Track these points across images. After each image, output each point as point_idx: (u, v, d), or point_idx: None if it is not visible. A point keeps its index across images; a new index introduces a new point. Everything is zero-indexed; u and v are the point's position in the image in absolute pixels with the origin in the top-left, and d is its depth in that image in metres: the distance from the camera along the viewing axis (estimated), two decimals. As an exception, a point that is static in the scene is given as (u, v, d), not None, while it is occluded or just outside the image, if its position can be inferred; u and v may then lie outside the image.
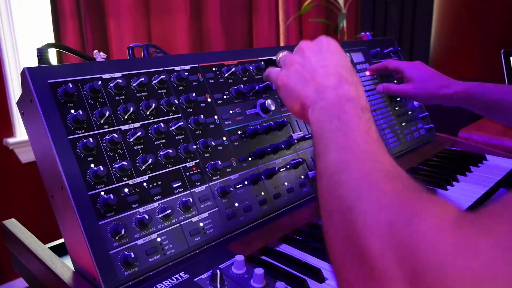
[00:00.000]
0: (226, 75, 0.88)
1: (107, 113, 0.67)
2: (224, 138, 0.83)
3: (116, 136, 0.66)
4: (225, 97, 0.86)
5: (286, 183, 0.88)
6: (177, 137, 0.76)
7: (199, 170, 0.76)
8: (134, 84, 0.74)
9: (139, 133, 0.69)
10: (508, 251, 0.25)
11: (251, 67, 0.92)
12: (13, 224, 0.80)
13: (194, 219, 0.72)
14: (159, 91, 0.77)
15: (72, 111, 0.65)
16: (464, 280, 0.25)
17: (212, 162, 0.78)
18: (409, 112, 1.31)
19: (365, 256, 0.32)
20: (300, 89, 0.62)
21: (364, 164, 0.44)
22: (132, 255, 0.61)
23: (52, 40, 2.02)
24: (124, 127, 0.70)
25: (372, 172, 0.42)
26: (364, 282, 0.32)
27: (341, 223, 0.38)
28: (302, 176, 0.92)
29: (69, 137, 0.64)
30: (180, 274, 0.63)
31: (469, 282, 0.25)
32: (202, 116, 0.78)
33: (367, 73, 1.24)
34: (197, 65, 0.85)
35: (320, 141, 0.52)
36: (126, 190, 0.67)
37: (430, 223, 0.30)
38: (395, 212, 0.34)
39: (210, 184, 0.77)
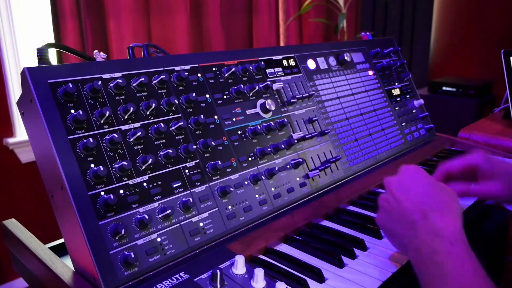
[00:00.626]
0: (226, 75, 0.88)
1: (107, 113, 0.67)
2: (224, 138, 0.83)
3: (116, 136, 0.66)
4: (225, 97, 0.86)
5: (286, 183, 0.88)
6: (177, 137, 0.76)
7: (199, 170, 0.76)
8: (134, 84, 0.74)
9: (139, 133, 0.69)
10: None
11: (251, 67, 0.92)
12: (13, 224, 0.80)
13: (194, 219, 0.72)
14: (159, 91, 0.77)
15: (72, 111, 0.65)
16: None
17: (212, 162, 0.78)
18: (409, 112, 1.31)
19: None
20: (394, 227, 0.67)
21: None
22: (132, 255, 0.61)
23: (52, 40, 2.02)
24: (124, 127, 0.70)
25: None
26: None
27: None
28: (302, 176, 0.92)
29: (69, 137, 0.64)
30: (180, 274, 0.63)
31: None
32: (202, 116, 0.78)
33: (370, 72, 1.24)
34: (197, 65, 0.85)
35: (421, 280, 0.57)
36: (126, 190, 0.67)
37: None
38: None
39: (210, 184, 0.77)
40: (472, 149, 0.82)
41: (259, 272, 0.60)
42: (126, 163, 0.66)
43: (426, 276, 0.56)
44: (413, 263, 0.60)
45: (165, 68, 0.80)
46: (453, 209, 0.63)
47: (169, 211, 0.67)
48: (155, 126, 0.72)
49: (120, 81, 0.70)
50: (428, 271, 0.56)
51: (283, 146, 0.89)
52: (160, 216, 0.68)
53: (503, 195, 0.77)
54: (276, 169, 0.86)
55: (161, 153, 0.72)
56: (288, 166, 0.90)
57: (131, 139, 0.70)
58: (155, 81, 0.76)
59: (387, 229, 0.69)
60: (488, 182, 0.78)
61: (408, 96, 1.34)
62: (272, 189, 0.85)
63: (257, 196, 0.82)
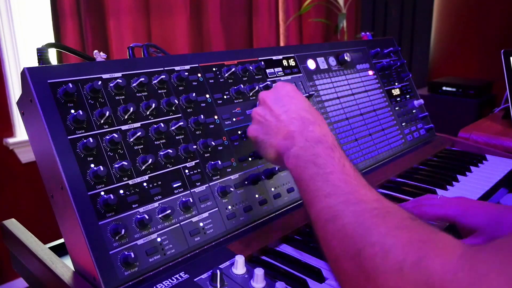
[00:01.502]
0: (226, 75, 0.88)
1: (107, 113, 0.67)
2: (224, 138, 0.83)
3: (116, 136, 0.66)
4: (225, 97, 0.86)
5: (286, 183, 0.88)
6: (177, 137, 0.76)
7: (199, 170, 0.76)
8: (134, 84, 0.74)
9: (139, 133, 0.69)
10: None
11: (251, 67, 0.92)
12: (13, 224, 0.80)
13: (194, 219, 0.72)
14: (159, 91, 0.77)
15: (72, 111, 0.65)
16: None
17: (212, 162, 0.78)
18: (409, 112, 1.31)
19: None
20: (269, 138, 0.66)
21: (353, 208, 0.46)
22: (132, 255, 0.61)
23: (52, 40, 2.02)
24: (124, 127, 0.70)
25: (364, 215, 0.44)
26: None
27: (351, 267, 0.41)
28: (302, 176, 0.92)
29: (69, 137, 0.64)
30: (180, 274, 0.63)
31: None
32: (202, 116, 0.78)
33: (370, 72, 1.24)
34: (197, 65, 0.85)
35: (303, 189, 0.56)
36: (126, 190, 0.67)
37: (440, 263, 0.32)
38: (403, 252, 0.36)
39: (210, 184, 0.77)
40: (451, 200, 0.77)
41: (259, 272, 0.60)
42: (126, 163, 0.66)
43: (308, 178, 0.55)
44: (292, 169, 0.59)
45: (165, 68, 0.80)
46: (325, 123, 0.64)
47: (169, 211, 0.67)
48: (155, 126, 0.72)
49: (120, 81, 0.70)
50: (310, 172, 0.55)
51: (283, 146, 0.89)
52: (160, 216, 0.68)
53: None
54: (276, 169, 0.86)
55: (161, 153, 0.72)
56: (288, 166, 0.90)
57: (131, 139, 0.70)
58: (155, 81, 0.76)
59: (260, 140, 0.68)
60: (473, 238, 0.71)
61: (408, 96, 1.34)
62: (272, 189, 0.85)
63: (257, 196, 0.82)
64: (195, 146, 0.76)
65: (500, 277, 0.30)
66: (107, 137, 0.67)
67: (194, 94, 0.79)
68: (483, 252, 0.33)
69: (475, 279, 0.30)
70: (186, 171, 0.75)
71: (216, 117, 0.83)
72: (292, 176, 0.60)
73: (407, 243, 0.37)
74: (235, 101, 0.88)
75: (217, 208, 0.76)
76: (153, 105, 0.72)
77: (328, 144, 0.59)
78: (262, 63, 0.96)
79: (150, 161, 0.68)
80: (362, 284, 0.39)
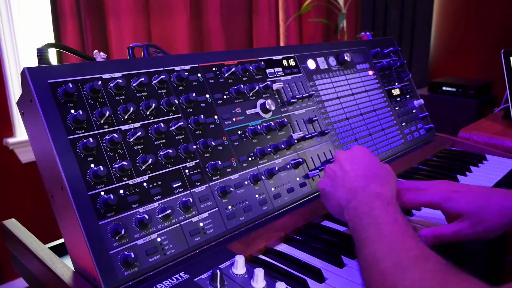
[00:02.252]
0: (226, 75, 0.88)
1: (107, 113, 0.67)
2: (224, 138, 0.83)
3: (116, 136, 0.66)
4: (225, 97, 0.86)
5: (286, 183, 0.88)
6: (177, 137, 0.76)
7: (199, 170, 0.76)
8: (134, 84, 0.74)
9: (139, 133, 0.69)
10: None
11: (251, 67, 0.92)
12: (13, 224, 0.80)
13: (194, 219, 0.72)
14: (159, 91, 0.77)
15: (72, 111, 0.65)
16: None
17: (212, 162, 0.78)
18: (409, 112, 1.31)
19: None
20: (335, 191, 0.73)
21: (395, 254, 0.50)
22: (132, 255, 0.61)
23: (52, 40, 2.02)
24: (124, 127, 0.70)
25: (403, 260, 0.48)
26: None
27: None
28: (302, 176, 0.92)
29: (69, 137, 0.64)
30: (180, 274, 0.63)
31: None
32: (202, 116, 0.78)
33: (370, 72, 1.24)
34: (197, 65, 0.85)
35: (356, 237, 0.61)
36: (126, 190, 0.67)
37: None
38: None
39: (210, 184, 0.77)
40: (434, 184, 0.76)
41: (259, 272, 0.60)
42: (126, 163, 0.66)
43: (361, 228, 0.60)
44: (349, 220, 0.65)
45: (165, 68, 0.80)
46: (391, 183, 0.70)
47: (169, 211, 0.67)
48: (155, 126, 0.72)
49: (120, 81, 0.70)
50: (364, 223, 0.60)
51: (283, 146, 0.89)
52: (160, 216, 0.68)
53: (470, 233, 0.69)
54: (276, 169, 0.86)
55: (161, 153, 0.72)
56: (288, 166, 0.90)
57: (131, 139, 0.70)
58: (155, 81, 0.76)
59: (327, 192, 0.74)
60: (453, 222, 0.72)
61: (408, 96, 1.34)
62: (272, 189, 0.85)
63: (257, 196, 0.82)
64: (195, 146, 0.76)
65: None
66: (107, 137, 0.67)
67: (194, 94, 0.79)
68: None
69: None
70: (186, 171, 0.75)
71: (216, 117, 0.83)
72: (349, 227, 0.65)
73: (434, 283, 0.41)
74: (235, 101, 0.88)
75: (217, 208, 0.76)
76: (153, 105, 0.72)
77: (385, 200, 0.64)
78: (262, 63, 0.96)
79: (150, 161, 0.68)
80: None
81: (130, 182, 0.68)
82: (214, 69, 0.87)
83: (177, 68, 0.81)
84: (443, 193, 0.73)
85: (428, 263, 0.46)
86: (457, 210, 0.71)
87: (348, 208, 0.67)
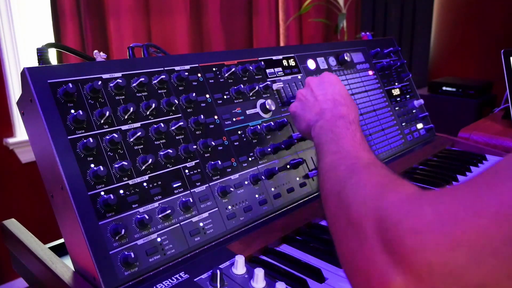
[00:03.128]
0: (226, 75, 0.88)
1: (107, 113, 0.67)
2: (224, 138, 0.83)
3: (116, 136, 0.66)
4: (225, 97, 0.86)
5: (286, 183, 0.88)
6: (177, 137, 0.76)
7: (199, 170, 0.76)
8: (134, 84, 0.74)
9: (139, 133, 0.69)
10: (445, 215, 0.36)
11: (251, 67, 0.92)
12: (13, 224, 0.80)
13: (194, 219, 0.72)
14: (159, 91, 0.77)
15: (72, 111, 0.65)
16: (412, 231, 0.37)
17: (212, 162, 0.78)
18: (409, 112, 1.31)
19: (352, 221, 0.46)
20: (304, 113, 0.78)
21: (348, 161, 0.57)
22: (132, 255, 0.61)
23: (52, 40, 2.02)
24: (124, 127, 0.70)
25: (355, 165, 0.55)
26: (351, 238, 0.45)
27: (335, 202, 0.51)
28: (302, 176, 0.92)
29: (69, 137, 0.64)
30: (180, 274, 0.63)
31: (414, 233, 0.37)
32: (202, 116, 0.78)
33: (370, 72, 1.24)
34: (197, 65, 0.85)
35: (318, 150, 0.67)
36: (126, 190, 0.67)
37: (393, 198, 0.42)
38: (369, 190, 0.47)
39: (210, 184, 0.77)
40: None
41: (259, 272, 0.60)
42: (126, 163, 0.66)
43: (324, 143, 0.66)
44: (315, 137, 0.70)
45: (165, 68, 0.80)
46: (355, 107, 0.76)
47: (169, 211, 0.67)
48: (155, 126, 0.72)
49: (120, 81, 0.70)
50: (327, 138, 0.66)
51: (283, 146, 0.89)
52: (160, 216, 0.68)
53: None
54: (276, 169, 0.86)
55: (161, 153, 0.72)
56: (288, 166, 0.90)
57: (131, 139, 0.70)
58: (155, 81, 0.76)
59: (298, 115, 0.80)
60: None
61: (408, 96, 1.34)
62: (272, 189, 0.85)
63: (257, 196, 0.82)
64: (195, 146, 0.76)
65: (431, 207, 0.38)
66: (107, 137, 0.67)
67: (194, 94, 0.79)
68: (429, 192, 0.41)
69: (411, 209, 0.39)
70: (186, 171, 0.75)
71: (216, 117, 0.83)
72: (314, 143, 0.71)
73: (376, 184, 0.48)
74: (235, 101, 0.88)
75: (217, 208, 0.76)
76: (153, 105, 0.72)
77: (348, 120, 0.69)
78: (262, 63, 0.96)
79: (150, 161, 0.68)
80: (338, 215, 0.49)
81: (130, 182, 0.68)
82: (214, 69, 0.87)
83: (177, 68, 0.81)
84: None
85: (376, 168, 0.53)
86: None
87: (315, 127, 0.72)
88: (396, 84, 1.32)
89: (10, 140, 2.08)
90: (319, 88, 0.80)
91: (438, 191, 0.40)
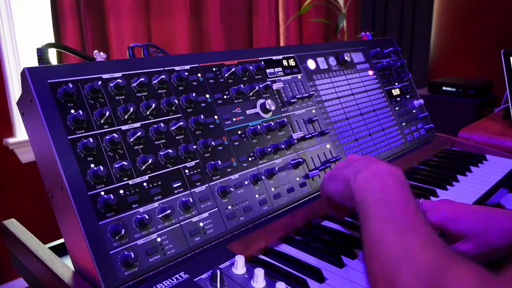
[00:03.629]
0: (226, 75, 0.88)
1: (107, 113, 0.67)
2: (224, 138, 0.83)
3: (116, 136, 0.66)
4: (225, 97, 0.86)
5: (286, 183, 0.88)
6: (177, 137, 0.76)
7: (199, 170, 0.76)
8: (134, 84, 0.74)
9: (139, 133, 0.69)
10: None
11: (251, 67, 0.92)
12: (13, 224, 0.80)
13: (194, 219, 0.72)
14: (159, 91, 0.77)
15: (72, 111, 0.65)
16: None
17: (212, 162, 0.78)
18: (409, 112, 1.31)
19: None
20: (343, 170, 0.68)
21: (402, 236, 0.49)
22: (132, 255, 0.61)
23: (52, 40, 2.02)
24: (124, 127, 0.70)
25: (409, 244, 0.47)
26: None
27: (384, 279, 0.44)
28: (302, 176, 0.92)
29: (69, 137, 0.64)
30: (180, 274, 0.63)
31: None
32: (202, 116, 0.78)
33: (370, 72, 1.24)
34: (197, 65, 0.85)
35: (363, 210, 0.57)
36: (126, 190, 0.67)
37: (459, 285, 0.37)
38: (432, 280, 0.39)
39: (210, 184, 0.77)
40: (436, 205, 0.73)
41: (259, 272, 0.60)
42: (126, 163, 0.66)
43: (370, 202, 0.57)
44: (357, 191, 0.61)
45: (165, 68, 0.80)
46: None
47: (169, 211, 0.67)
48: (155, 126, 0.72)
49: (120, 81, 0.70)
50: (374, 197, 0.57)
51: (283, 146, 0.89)
52: (160, 216, 0.68)
53: (474, 255, 0.68)
54: (276, 169, 0.86)
55: (161, 153, 0.72)
56: (288, 166, 0.90)
57: (131, 139, 0.70)
58: (155, 81, 0.76)
59: (334, 173, 0.71)
60: (457, 243, 0.70)
61: (408, 96, 1.34)
62: (272, 189, 0.85)
63: (257, 196, 0.82)
64: (195, 146, 0.76)
65: None
66: (107, 137, 0.67)
67: (194, 94, 0.79)
68: (499, 280, 0.36)
69: None
70: (186, 171, 0.75)
71: (216, 117, 0.83)
72: (355, 199, 0.60)
73: (438, 272, 0.41)
74: (235, 101, 0.88)
75: (217, 208, 0.76)
76: (153, 105, 0.72)
77: (399, 179, 0.59)
78: (262, 63, 0.96)
79: (150, 161, 0.68)
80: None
81: (130, 182, 0.68)
82: (214, 69, 0.87)
83: (177, 68, 0.81)
84: (445, 213, 0.70)
85: (435, 249, 0.46)
86: (460, 231, 0.69)
87: (356, 178, 0.62)
88: (396, 84, 1.32)
89: (10, 140, 2.08)
90: (362, 159, 0.69)
91: (506, 276, 0.37)
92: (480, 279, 0.38)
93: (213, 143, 0.78)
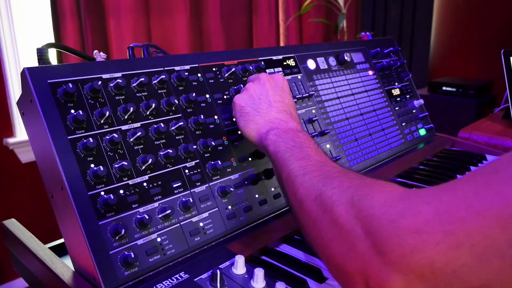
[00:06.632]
0: (226, 75, 0.88)
1: (107, 113, 0.67)
2: (224, 138, 0.83)
3: (116, 136, 0.66)
4: (225, 97, 0.86)
5: (286, 183, 0.88)
6: (177, 137, 0.76)
7: (199, 170, 0.76)
8: (134, 84, 0.74)
9: (139, 133, 0.69)
10: (445, 214, 0.36)
11: (251, 67, 0.92)
12: (13, 224, 0.80)
13: (194, 219, 0.72)
14: (159, 91, 0.77)
15: (72, 111, 0.65)
16: (411, 231, 0.36)
17: (212, 162, 0.78)
18: (409, 112, 1.31)
19: (339, 223, 0.44)
20: (256, 115, 0.73)
21: (322, 167, 0.55)
22: (132, 255, 0.61)
23: (52, 40, 2.02)
24: (124, 127, 0.70)
25: (330, 172, 0.53)
26: (339, 241, 0.43)
27: (314, 207, 0.49)
28: (302, 176, 0.92)
29: (69, 137, 0.64)
30: (180, 274, 0.63)
31: (413, 233, 0.36)
32: (202, 116, 0.78)
33: (370, 72, 1.24)
34: (197, 65, 0.85)
35: (278, 157, 0.63)
36: (126, 190, 0.67)
37: (382, 196, 0.41)
38: (354, 191, 0.45)
39: (210, 184, 0.77)
40: None
41: (259, 272, 0.60)
42: (126, 163, 0.66)
43: (285, 150, 0.63)
44: (270, 144, 0.67)
45: (165, 68, 0.80)
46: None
47: (169, 211, 0.67)
48: (155, 126, 0.72)
49: (120, 81, 0.70)
50: (288, 146, 0.63)
51: (283, 146, 0.89)
52: (160, 216, 0.68)
53: None
54: (276, 169, 0.86)
55: (161, 153, 0.72)
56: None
57: (131, 139, 0.70)
58: (155, 81, 0.76)
59: (246, 113, 0.74)
60: None
61: (408, 96, 1.34)
62: (272, 189, 0.85)
63: (257, 196, 0.82)
64: (195, 146, 0.76)
65: (428, 205, 0.37)
66: (107, 137, 0.67)
67: (194, 94, 0.79)
68: (421, 190, 0.40)
69: (406, 207, 0.38)
70: (186, 171, 0.75)
71: (216, 117, 0.83)
72: (267, 150, 0.67)
73: (359, 184, 0.46)
74: (235, 101, 0.88)
75: (217, 208, 0.76)
76: (153, 105, 0.72)
77: (307, 135, 0.67)
78: (262, 63, 0.96)
79: (150, 161, 0.68)
80: (320, 219, 0.47)
81: (130, 182, 0.68)
82: (214, 69, 0.87)
83: (177, 68, 0.81)
84: None
85: (354, 173, 0.52)
86: None
87: (269, 133, 0.68)
88: (396, 84, 1.32)
89: (10, 140, 2.08)
90: (275, 92, 0.76)
91: (434, 188, 0.40)
92: (406, 189, 0.42)
93: (213, 143, 0.78)
